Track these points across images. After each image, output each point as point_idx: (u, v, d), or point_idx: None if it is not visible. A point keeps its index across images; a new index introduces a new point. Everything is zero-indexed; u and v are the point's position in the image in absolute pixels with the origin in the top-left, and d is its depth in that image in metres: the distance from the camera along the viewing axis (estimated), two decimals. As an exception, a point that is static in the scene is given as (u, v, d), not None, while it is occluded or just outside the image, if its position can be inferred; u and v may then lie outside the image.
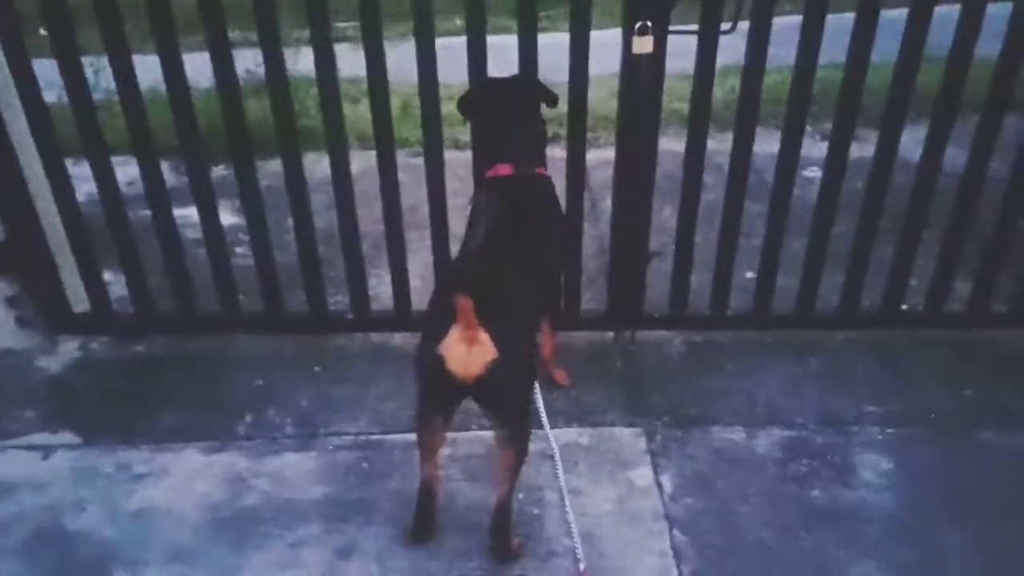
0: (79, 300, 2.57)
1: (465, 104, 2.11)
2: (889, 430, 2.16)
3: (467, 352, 1.58)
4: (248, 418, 2.25)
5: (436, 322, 1.63)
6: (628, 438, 2.14)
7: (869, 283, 2.48)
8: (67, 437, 2.20)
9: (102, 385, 2.42)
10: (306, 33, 2.20)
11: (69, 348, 2.57)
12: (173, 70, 2.17)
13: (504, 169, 1.99)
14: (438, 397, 1.68)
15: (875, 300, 2.52)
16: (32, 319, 2.54)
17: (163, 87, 2.21)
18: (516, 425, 1.71)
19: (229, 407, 2.28)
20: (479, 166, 2.10)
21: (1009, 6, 2.09)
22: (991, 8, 2.06)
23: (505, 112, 2.08)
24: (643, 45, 2.07)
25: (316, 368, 2.45)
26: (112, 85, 2.23)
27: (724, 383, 2.35)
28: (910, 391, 2.30)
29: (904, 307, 2.54)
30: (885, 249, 2.45)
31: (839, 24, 2.11)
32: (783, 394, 2.30)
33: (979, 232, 2.40)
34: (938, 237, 2.42)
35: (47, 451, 2.15)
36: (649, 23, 2.04)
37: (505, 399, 1.67)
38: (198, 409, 2.28)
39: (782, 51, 2.19)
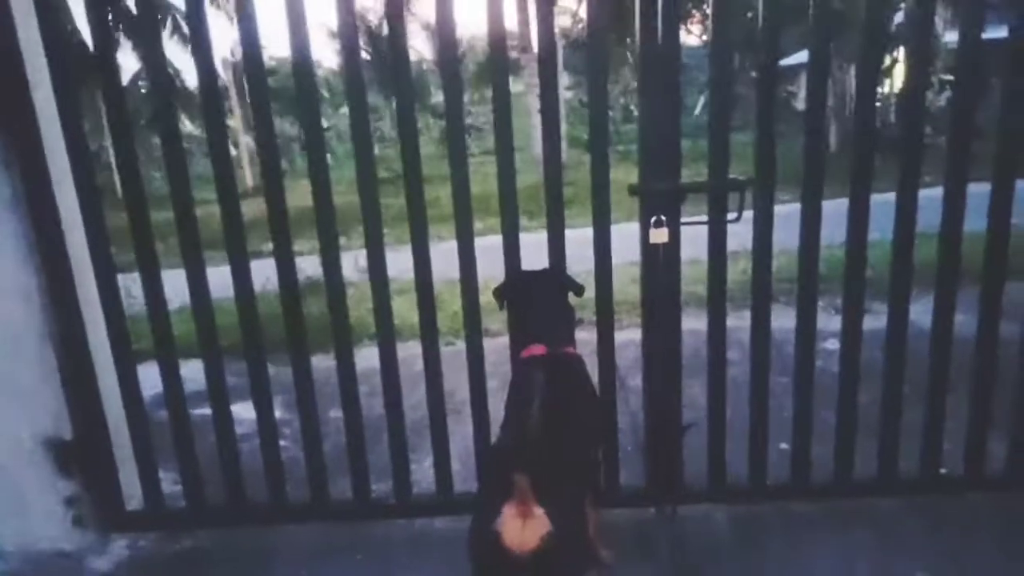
0: (132, 497, 2.66)
1: (501, 293, 2.32)
2: (949, 600, 2.09)
3: (522, 527, 1.62)
4: (292, 610, 2.24)
5: (489, 501, 1.69)
6: (680, 619, 2.09)
7: (906, 449, 2.52)
8: (114, 637, 2.19)
9: (150, 582, 2.44)
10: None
11: (119, 546, 2.62)
12: (241, 279, 2.44)
13: (538, 349, 2.16)
14: (493, 574, 1.70)
15: (913, 465, 2.54)
16: (86, 518, 2.61)
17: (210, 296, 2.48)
18: (571, 596, 1.72)
19: (274, 601, 2.28)
20: (515, 348, 2.27)
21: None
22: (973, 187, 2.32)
23: (537, 299, 2.28)
24: (659, 236, 2.32)
25: (358, 556, 2.46)
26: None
27: (771, 558, 2.32)
28: (961, 556, 2.25)
29: (943, 470, 2.55)
30: (917, 414, 2.51)
31: (836, 207, 2.36)
32: (831, 568, 2.26)
33: (1009, 394, 2.47)
34: (967, 400, 2.49)
35: (92, 653, 2.13)
36: (664, 217, 2.30)
37: (560, 570, 1.69)
38: (243, 604, 2.28)
39: (786, 235, 2.42)
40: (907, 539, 2.36)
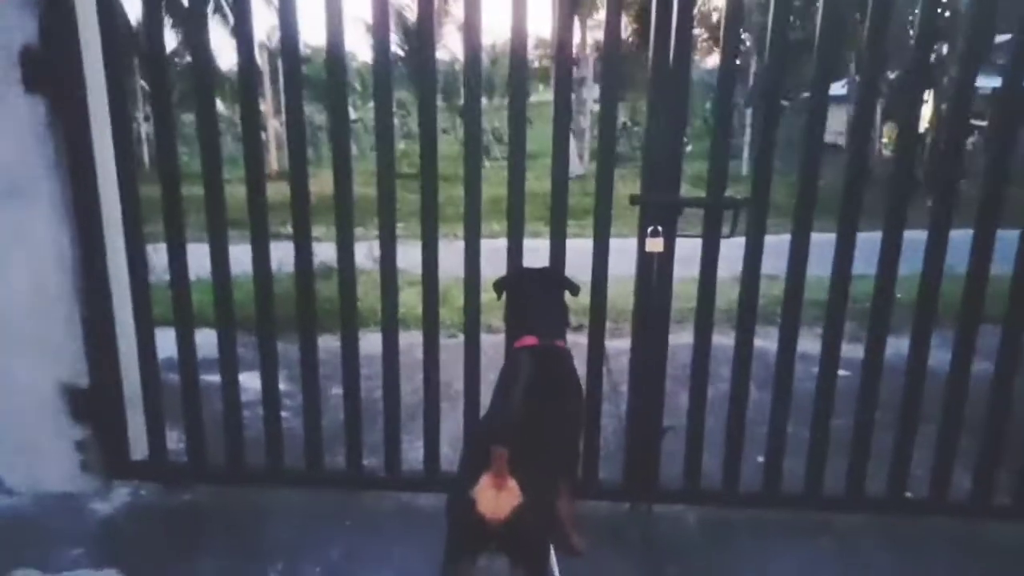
0: (137, 448, 2.82)
1: (501, 285, 2.46)
2: (899, 613, 2.21)
3: (496, 496, 1.76)
4: (280, 566, 2.38)
5: (468, 472, 1.84)
6: (643, 605, 2.22)
7: (876, 470, 2.63)
8: (110, 574, 2.34)
9: (148, 528, 2.60)
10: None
11: (121, 493, 2.78)
12: (261, 258, 2.60)
13: (529, 340, 2.29)
14: (467, 539, 1.83)
15: (881, 486, 2.65)
16: (93, 463, 2.77)
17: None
18: (535, 567, 1.84)
19: (264, 555, 2.42)
20: (510, 338, 2.41)
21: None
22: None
23: (534, 295, 2.42)
24: (655, 245, 2.45)
25: (348, 523, 2.60)
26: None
27: (737, 558, 2.44)
28: None
29: (909, 494, 2.66)
30: (888, 439, 2.62)
31: (823, 239, 2.48)
32: (794, 572, 2.38)
33: (976, 427, 2.58)
34: (936, 430, 2.60)
35: (91, 586, 2.29)
36: (660, 227, 2.43)
37: (527, 541, 1.82)
38: (234, 557, 2.43)
39: (778, 262, 2.55)
40: (868, 554, 2.47)
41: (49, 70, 2.41)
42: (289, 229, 2.59)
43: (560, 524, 2.38)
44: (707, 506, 2.70)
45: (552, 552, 2.15)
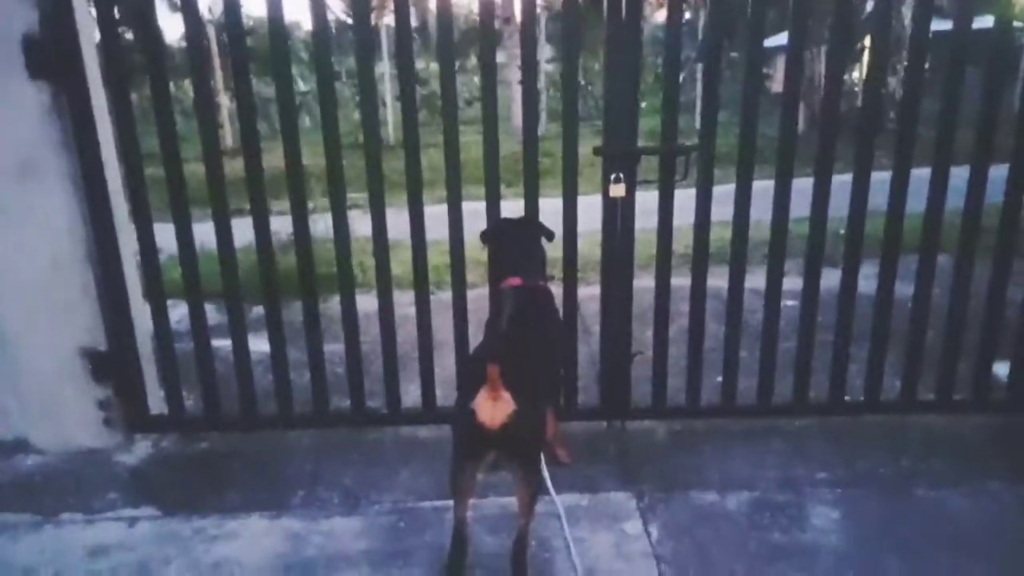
0: (155, 404, 3.07)
1: (486, 235, 2.74)
2: (838, 490, 2.60)
3: (493, 407, 2.07)
4: (300, 493, 2.67)
5: (468, 389, 2.14)
6: (621, 500, 2.57)
7: (817, 383, 3.02)
8: (148, 511, 2.60)
9: (175, 473, 2.86)
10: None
11: (143, 446, 3.03)
12: (261, 230, 2.83)
13: (515, 281, 2.59)
14: (470, 445, 2.15)
15: (822, 393, 3.04)
16: (115, 420, 3.00)
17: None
18: (530, 467, 2.17)
19: (284, 486, 2.71)
20: (494, 280, 2.70)
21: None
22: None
23: (515, 240, 2.71)
24: (618, 191, 2.76)
25: (355, 455, 2.90)
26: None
27: (700, 459, 2.81)
28: (855, 462, 2.76)
29: (847, 397, 3.06)
30: (827, 355, 3.01)
31: (767, 186, 2.80)
32: (749, 466, 2.76)
33: (902, 338, 2.97)
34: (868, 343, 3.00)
35: (132, 521, 2.55)
36: (622, 175, 2.74)
37: (522, 444, 2.14)
38: (258, 488, 2.71)
39: (729, 209, 2.86)
40: (813, 449, 2.86)
41: (50, 56, 2.59)
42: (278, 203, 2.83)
43: (548, 441, 2.72)
44: (673, 420, 3.06)
45: (543, 463, 2.49)
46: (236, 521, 2.52)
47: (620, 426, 3.03)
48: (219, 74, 15.33)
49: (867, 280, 2.92)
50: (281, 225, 3.04)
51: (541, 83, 17.07)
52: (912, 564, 2.23)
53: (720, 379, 3.08)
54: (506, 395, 2.06)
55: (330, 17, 2.83)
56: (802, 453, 2.83)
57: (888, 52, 2.91)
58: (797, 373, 3.03)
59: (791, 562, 2.26)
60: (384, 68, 14.39)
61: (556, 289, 2.85)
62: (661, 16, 20.27)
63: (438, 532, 2.39)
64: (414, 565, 2.28)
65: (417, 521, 2.49)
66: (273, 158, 3.04)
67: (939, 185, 2.76)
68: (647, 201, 2.82)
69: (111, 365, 2.92)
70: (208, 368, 3.00)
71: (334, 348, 3.10)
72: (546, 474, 2.49)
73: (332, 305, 3.17)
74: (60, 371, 2.89)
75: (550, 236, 2.76)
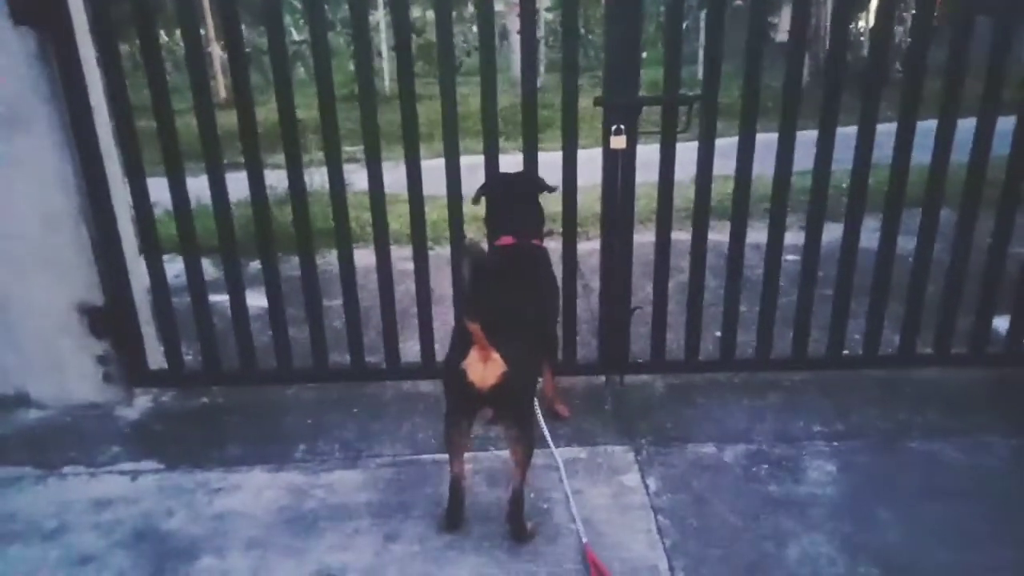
0: (154, 359, 3.07)
1: (481, 192, 2.70)
2: (834, 443, 2.62)
3: (483, 367, 2.05)
4: (302, 447, 2.69)
5: (459, 347, 2.13)
6: (619, 453, 2.59)
7: (816, 338, 3.02)
8: (150, 464, 2.63)
9: (176, 427, 2.87)
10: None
11: (143, 401, 3.04)
12: (256, 184, 2.78)
13: (506, 240, 2.56)
14: (462, 403, 2.15)
15: (821, 348, 3.04)
16: (115, 375, 3.01)
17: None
18: (523, 425, 2.17)
19: (285, 439, 2.73)
20: (490, 239, 2.67)
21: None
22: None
23: (511, 197, 2.66)
24: (618, 143, 2.71)
25: (355, 409, 2.91)
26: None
27: (698, 412, 2.83)
28: (851, 415, 2.78)
29: (845, 352, 3.06)
30: (827, 310, 3.00)
31: (771, 139, 2.75)
32: (746, 419, 2.78)
33: (902, 294, 2.96)
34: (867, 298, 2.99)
35: (135, 475, 2.57)
36: (623, 126, 2.68)
37: (513, 403, 2.14)
38: (259, 442, 2.73)
39: (730, 162, 2.82)
40: (810, 402, 2.88)
41: (34, 2, 2.51)
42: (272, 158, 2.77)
43: (547, 396, 2.74)
44: (672, 374, 3.07)
45: (541, 417, 2.51)
46: (238, 474, 2.55)
47: (619, 380, 3.04)
48: (210, 24, 14.99)
49: (867, 234, 2.89)
50: (276, 179, 3.00)
51: (540, 32, 16.84)
52: (906, 515, 2.26)
53: (719, 334, 3.08)
54: (496, 356, 2.05)
55: (322, -38, 2.74)
56: (799, 407, 2.85)
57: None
58: (796, 328, 3.02)
59: (787, 512, 2.28)
60: (379, 17, 14.07)
61: (555, 244, 2.83)
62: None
63: (438, 484, 2.41)
64: (415, 517, 2.30)
65: (417, 474, 2.51)
66: (266, 110, 2.98)
67: (945, 138, 2.72)
68: (644, 154, 2.77)
69: (109, 320, 2.91)
70: (206, 323, 3.00)
71: (332, 304, 3.08)
72: (544, 428, 2.52)
73: (329, 260, 3.16)
74: (58, 327, 2.88)
75: (549, 190, 2.72)
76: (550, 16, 15.44)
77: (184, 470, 2.58)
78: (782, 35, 13.05)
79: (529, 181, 2.73)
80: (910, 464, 2.51)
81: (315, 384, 3.09)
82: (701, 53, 14.99)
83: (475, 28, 2.70)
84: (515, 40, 12.64)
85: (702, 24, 16.01)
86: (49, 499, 2.46)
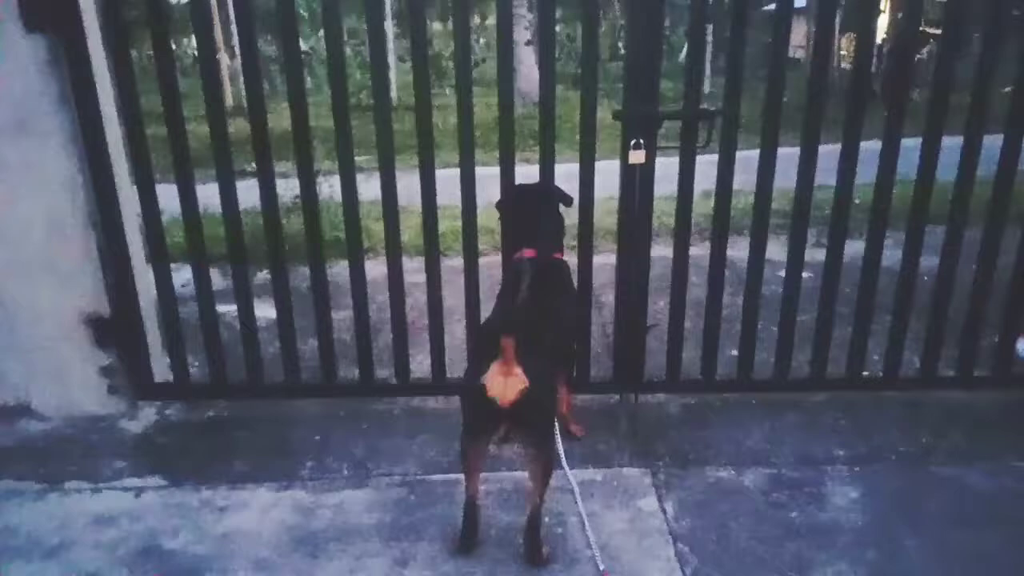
0: (160, 371, 3.01)
1: (500, 204, 2.65)
2: (856, 468, 2.55)
3: (504, 382, 2.00)
4: (309, 464, 2.63)
5: (479, 360, 2.07)
6: (636, 476, 2.52)
7: (836, 356, 2.95)
8: (155, 480, 2.56)
9: (181, 441, 2.81)
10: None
11: (148, 413, 2.98)
12: (268, 192, 2.73)
13: (528, 253, 2.50)
14: (480, 420, 2.08)
15: (840, 369, 2.97)
16: (120, 387, 2.95)
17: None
18: (543, 443, 2.11)
19: (293, 456, 2.67)
20: (508, 251, 2.61)
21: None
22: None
23: (530, 210, 2.62)
24: (637, 157, 2.65)
25: (364, 425, 2.85)
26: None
27: (715, 434, 2.76)
28: (874, 438, 2.71)
29: (865, 373, 3.00)
30: (847, 330, 2.94)
31: (790, 154, 2.70)
32: (765, 441, 2.71)
33: (924, 315, 2.90)
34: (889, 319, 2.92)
35: (139, 491, 2.51)
36: (642, 140, 2.63)
37: (534, 421, 2.08)
38: (266, 458, 2.66)
39: (747, 176, 2.77)
40: (830, 423, 2.82)
41: (47, 9, 2.47)
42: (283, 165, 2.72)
43: (562, 414, 2.67)
44: (687, 394, 3.01)
45: (559, 437, 2.44)
46: (244, 492, 2.48)
47: (633, 399, 2.97)
48: (218, 31, 15.04)
49: (888, 251, 2.83)
50: (283, 188, 2.94)
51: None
52: (932, 543, 2.19)
53: (735, 352, 3.01)
54: (518, 371, 1.99)
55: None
56: (819, 429, 2.78)
57: (919, 14, 2.79)
58: (815, 347, 2.96)
59: (810, 540, 2.21)
60: (387, 28, 14.10)
61: (571, 259, 2.77)
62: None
63: (449, 506, 2.34)
64: (425, 540, 2.24)
65: (428, 494, 2.44)
66: (274, 118, 2.92)
67: (969, 154, 2.66)
68: (659, 167, 2.71)
69: (114, 331, 2.86)
70: (213, 335, 2.94)
71: (339, 316, 3.02)
72: (560, 449, 2.44)
73: (338, 271, 3.10)
74: (62, 337, 2.82)
75: (568, 201, 2.67)
76: (557, 28, 15.46)
77: (189, 487, 2.51)
78: (792, 50, 13.03)
79: (549, 192, 2.68)
80: (935, 489, 2.44)
81: (323, 398, 3.02)
82: (709, 67, 15.04)
83: (482, 40, 2.64)
84: (519, 51, 12.62)
85: (708, 36, 16.07)
86: (51, 514, 2.39)
